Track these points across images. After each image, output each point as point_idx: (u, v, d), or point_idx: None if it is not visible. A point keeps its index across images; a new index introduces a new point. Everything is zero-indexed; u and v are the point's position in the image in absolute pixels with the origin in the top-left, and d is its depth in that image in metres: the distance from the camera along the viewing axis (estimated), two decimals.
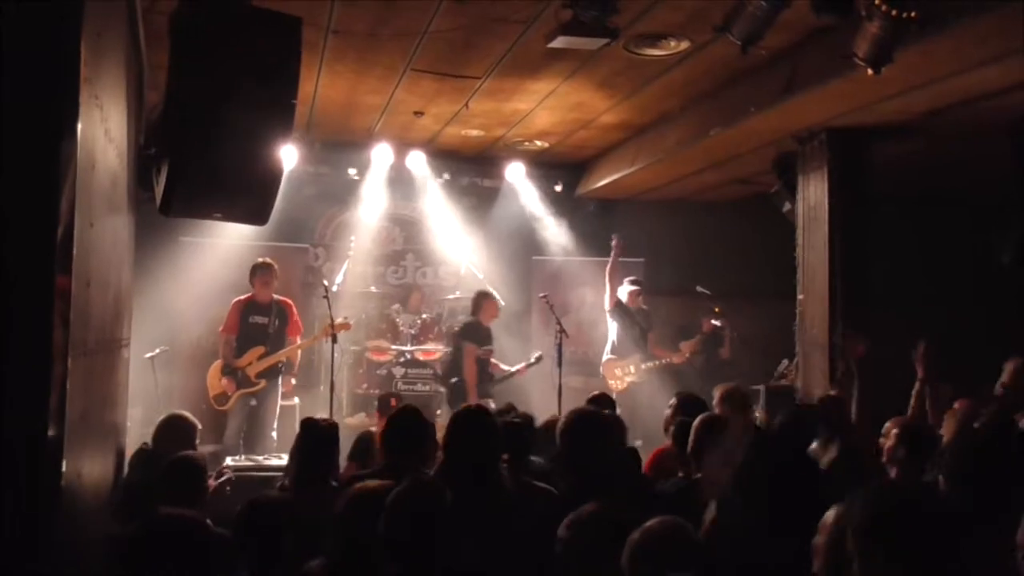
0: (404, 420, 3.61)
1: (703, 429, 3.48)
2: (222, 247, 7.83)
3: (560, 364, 6.93)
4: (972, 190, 6.97)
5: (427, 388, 7.75)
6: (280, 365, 6.89)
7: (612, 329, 7.86)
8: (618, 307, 7.82)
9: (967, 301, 7.09)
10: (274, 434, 6.69)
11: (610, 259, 7.75)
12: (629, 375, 7.70)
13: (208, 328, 8.12)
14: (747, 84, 5.91)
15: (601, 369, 7.78)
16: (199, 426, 4.45)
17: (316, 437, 3.64)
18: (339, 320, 6.74)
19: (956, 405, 3.85)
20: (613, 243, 7.75)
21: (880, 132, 6.01)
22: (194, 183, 4.04)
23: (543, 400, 7.67)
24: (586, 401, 4.74)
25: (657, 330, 8.12)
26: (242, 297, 6.93)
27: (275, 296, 6.91)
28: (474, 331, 7.26)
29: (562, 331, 6.94)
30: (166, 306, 7.68)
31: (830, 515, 2.10)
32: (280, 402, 6.93)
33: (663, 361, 7.82)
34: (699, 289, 8.35)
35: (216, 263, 7.84)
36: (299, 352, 7.14)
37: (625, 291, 7.88)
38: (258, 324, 6.83)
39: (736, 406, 4.53)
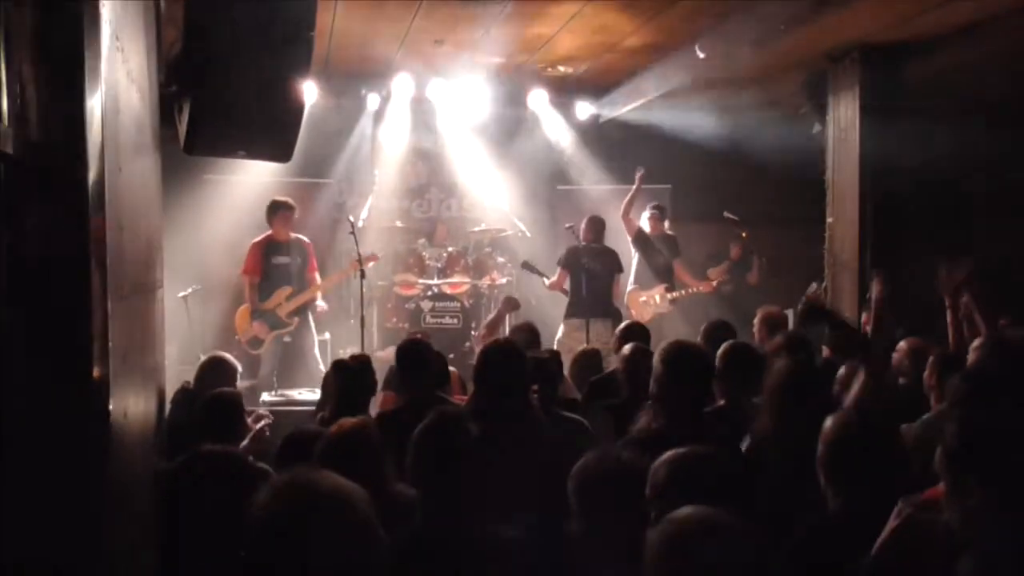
0: (405, 355, 3.72)
1: (729, 356, 3.49)
2: (247, 184, 7.86)
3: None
4: (1012, 102, 6.77)
5: (454, 321, 7.82)
6: (308, 303, 6.96)
7: (635, 259, 7.74)
8: (639, 236, 7.67)
9: (1009, 222, 6.96)
10: (320, 366, 6.79)
11: (632, 190, 7.62)
12: (654, 305, 7.60)
13: (238, 265, 8.22)
14: (778, 1, 5.73)
15: (624, 299, 7.65)
16: (239, 368, 4.56)
17: (349, 374, 3.73)
18: (366, 253, 6.77)
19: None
20: (637, 175, 7.59)
21: (916, 48, 5.84)
22: (216, 121, 4.03)
23: None
24: (619, 332, 4.77)
25: (685, 257, 7.98)
26: (260, 237, 6.91)
27: (292, 234, 6.93)
28: None
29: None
30: (196, 245, 7.77)
31: (828, 425, 2.17)
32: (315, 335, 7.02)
33: (690, 290, 7.67)
34: (726, 215, 8.28)
35: (242, 201, 7.89)
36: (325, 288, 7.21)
37: (645, 218, 7.76)
38: (281, 264, 6.84)
39: (774, 328, 4.57)
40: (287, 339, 6.91)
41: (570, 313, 7.04)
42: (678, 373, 2.96)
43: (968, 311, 4.26)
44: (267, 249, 6.86)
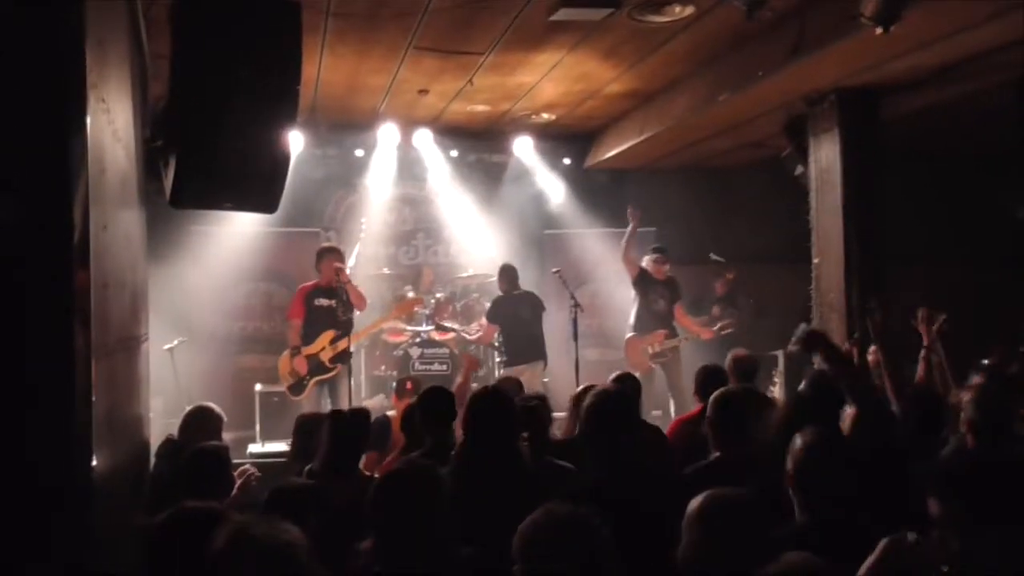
0: (431, 402, 3.70)
1: (719, 405, 3.46)
2: (233, 235, 7.90)
3: (576, 338, 6.96)
4: (985, 144, 6.92)
5: (444, 368, 7.81)
6: (352, 349, 6.85)
7: (634, 304, 7.55)
8: (642, 278, 7.51)
9: (991, 259, 7.06)
10: None
11: (627, 231, 7.49)
12: (652, 352, 7.39)
13: (224, 317, 8.22)
14: (754, 47, 5.87)
15: (624, 346, 7.54)
16: (225, 418, 4.53)
17: (345, 426, 3.70)
18: (410, 294, 6.89)
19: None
20: (630, 214, 7.49)
21: (890, 90, 5.97)
22: (202, 175, 4.07)
23: (560, 374, 7.74)
24: (610, 381, 4.76)
25: (686, 301, 7.81)
26: (308, 284, 6.90)
27: (343, 280, 6.76)
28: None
29: (576, 305, 6.97)
30: (182, 296, 7.77)
31: (797, 441, 2.28)
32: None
33: (689, 337, 7.49)
34: (713, 256, 8.35)
35: (228, 251, 7.92)
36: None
37: (648, 260, 7.59)
38: (324, 307, 6.72)
39: (742, 375, 4.55)
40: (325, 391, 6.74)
41: (508, 363, 7.26)
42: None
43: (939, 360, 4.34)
44: (312, 292, 6.79)
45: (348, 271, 7.63)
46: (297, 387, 6.68)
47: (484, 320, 7.70)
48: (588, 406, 3.06)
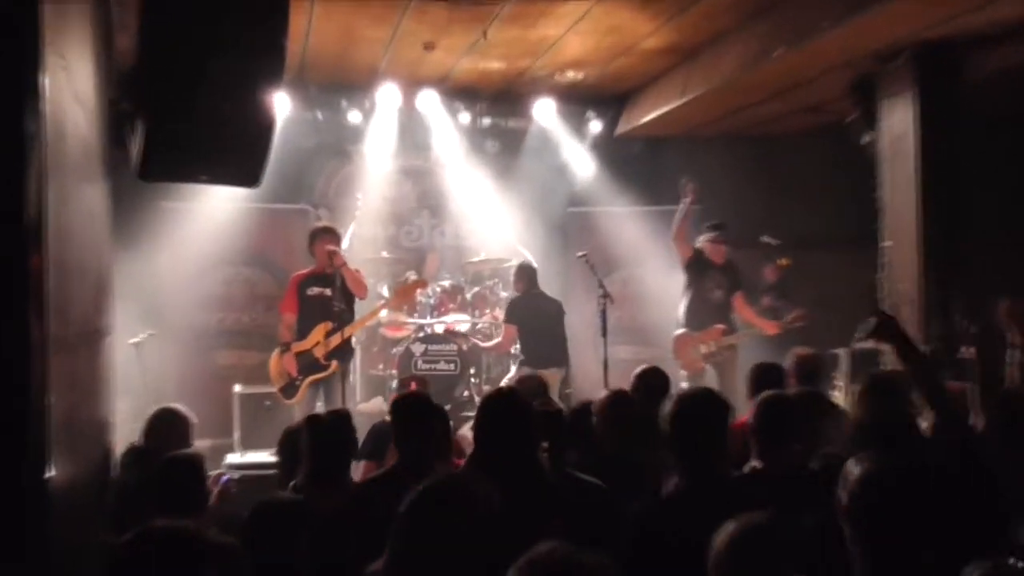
0: (406, 409, 3.70)
1: (765, 408, 3.45)
2: (210, 212, 7.93)
3: (605, 333, 6.93)
4: None
5: (451, 367, 7.84)
6: (353, 341, 6.83)
7: (686, 295, 7.37)
8: (696, 262, 7.31)
9: None
10: None
11: (681, 208, 7.31)
12: (707, 351, 7.23)
13: (199, 307, 8.26)
14: None
15: (672, 347, 7.40)
16: (193, 420, 4.57)
17: (323, 432, 3.73)
18: (412, 278, 6.86)
19: None
20: (685, 189, 7.32)
21: (975, 46, 5.89)
22: (175, 143, 4.08)
23: (586, 375, 7.74)
24: (634, 376, 4.76)
25: (747, 289, 7.63)
26: (301, 272, 6.88)
27: (341, 264, 6.69)
28: None
29: (606, 295, 6.95)
30: (151, 283, 7.82)
31: (854, 470, 2.24)
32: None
33: (751, 332, 7.32)
34: (764, 239, 8.30)
35: (204, 231, 7.95)
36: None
37: (704, 240, 7.35)
38: (317, 296, 6.70)
39: (805, 376, 4.55)
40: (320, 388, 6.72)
41: (529, 362, 7.28)
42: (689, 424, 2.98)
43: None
44: (305, 281, 6.78)
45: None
46: (289, 389, 6.72)
47: (497, 315, 7.72)
48: (676, 412, 3.04)
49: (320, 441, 3.71)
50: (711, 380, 7.23)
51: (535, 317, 7.37)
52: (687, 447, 2.99)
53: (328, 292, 6.63)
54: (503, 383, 7.15)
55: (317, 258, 6.75)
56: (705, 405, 3.05)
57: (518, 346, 7.57)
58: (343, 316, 6.63)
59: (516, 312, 7.45)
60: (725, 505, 2.32)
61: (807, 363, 4.79)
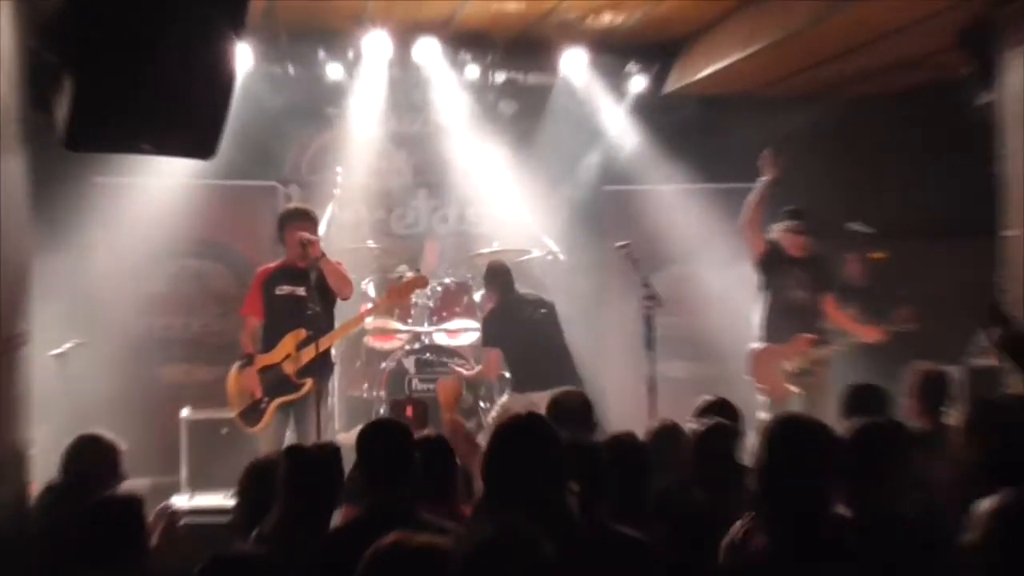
0: (376, 439, 3.75)
1: (861, 439, 3.46)
2: (154, 190, 7.96)
3: (651, 345, 6.90)
4: None
5: None
6: (333, 355, 6.85)
7: (760, 296, 7.35)
8: (771, 257, 7.30)
9: None
10: None
11: (757, 188, 7.24)
12: (792, 369, 7.16)
13: (139, 309, 8.28)
14: None
15: (748, 366, 7.33)
16: (121, 448, 4.59)
17: (306, 467, 3.73)
18: (408, 274, 6.95)
19: None
20: (765, 161, 7.24)
21: None
22: (111, 104, 4.11)
23: (623, 398, 7.72)
24: (695, 411, 4.74)
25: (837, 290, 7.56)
26: (268, 266, 6.89)
27: (318, 255, 6.58)
28: None
29: (651, 297, 6.92)
30: (78, 280, 7.85)
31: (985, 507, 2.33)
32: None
33: (851, 340, 7.23)
34: (852, 227, 8.27)
35: (147, 214, 7.98)
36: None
37: (780, 230, 7.34)
38: (288, 296, 6.66)
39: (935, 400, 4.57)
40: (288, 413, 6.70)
41: (524, 385, 7.09)
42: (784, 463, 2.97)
43: None
44: (273, 277, 6.76)
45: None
46: (252, 413, 6.68)
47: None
48: (773, 436, 3.05)
49: (301, 478, 3.70)
50: (797, 406, 7.12)
51: (519, 330, 7.17)
52: (780, 496, 2.99)
53: (301, 291, 6.56)
54: (494, 410, 7.10)
55: (288, 248, 6.73)
56: (808, 443, 3.04)
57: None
58: (320, 322, 6.52)
59: (493, 331, 7.27)
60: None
61: (934, 382, 4.78)
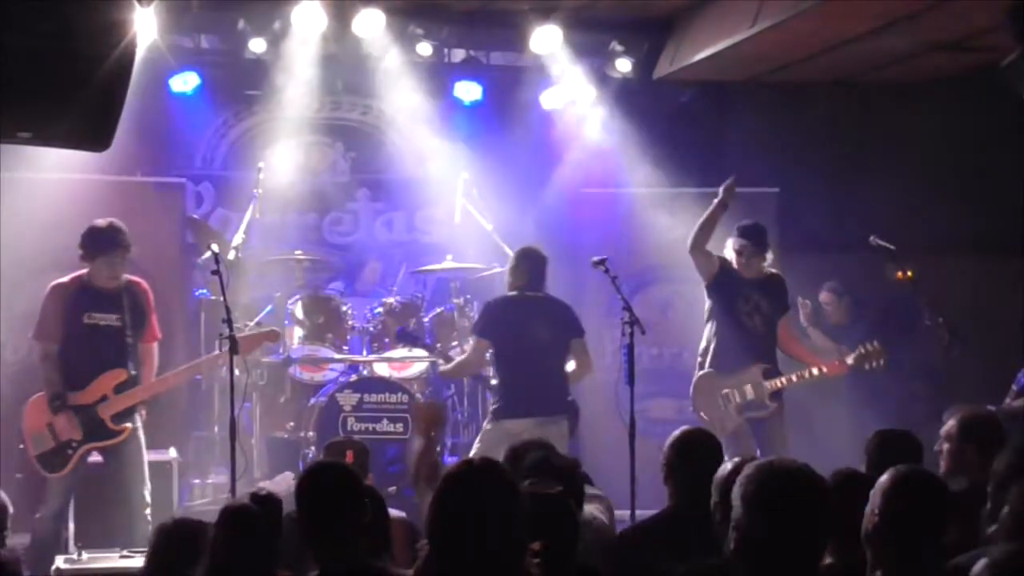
0: (319, 485, 3.76)
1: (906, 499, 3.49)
2: (40, 187, 7.91)
3: (631, 379, 6.95)
4: None
5: (397, 427, 7.83)
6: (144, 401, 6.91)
7: (709, 323, 7.60)
8: (723, 277, 7.53)
9: None
10: (148, 513, 6.75)
11: (710, 209, 7.43)
12: (740, 400, 7.41)
13: (15, 330, 8.22)
14: None
15: (691, 393, 7.57)
16: (9, 508, 4.58)
17: (243, 528, 3.73)
18: (249, 329, 6.89)
19: None
20: (723, 187, 7.41)
21: None
22: None
23: (598, 438, 7.75)
24: (668, 444, 4.76)
25: (795, 311, 7.84)
26: (64, 279, 6.88)
27: (125, 277, 6.84)
28: None
29: (634, 321, 6.97)
30: None
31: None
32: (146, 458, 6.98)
33: (808, 373, 7.44)
34: (874, 241, 8.35)
35: (31, 215, 7.91)
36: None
37: (729, 250, 7.59)
38: (102, 327, 6.76)
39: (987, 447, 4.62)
40: (93, 457, 6.81)
41: (502, 411, 7.12)
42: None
43: None
44: (77, 298, 6.78)
45: (233, 256, 7.65)
46: (55, 458, 6.72)
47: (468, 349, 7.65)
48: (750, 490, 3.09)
49: (236, 537, 3.71)
50: (747, 442, 7.27)
51: (524, 331, 7.13)
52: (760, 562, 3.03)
53: (114, 320, 6.73)
54: (473, 450, 7.09)
55: (92, 267, 6.75)
56: (809, 493, 3.07)
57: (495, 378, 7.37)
58: (138, 356, 6.82)
59: (492, 319, 7.28)
60: None
61: (986, 426, 4.84)
